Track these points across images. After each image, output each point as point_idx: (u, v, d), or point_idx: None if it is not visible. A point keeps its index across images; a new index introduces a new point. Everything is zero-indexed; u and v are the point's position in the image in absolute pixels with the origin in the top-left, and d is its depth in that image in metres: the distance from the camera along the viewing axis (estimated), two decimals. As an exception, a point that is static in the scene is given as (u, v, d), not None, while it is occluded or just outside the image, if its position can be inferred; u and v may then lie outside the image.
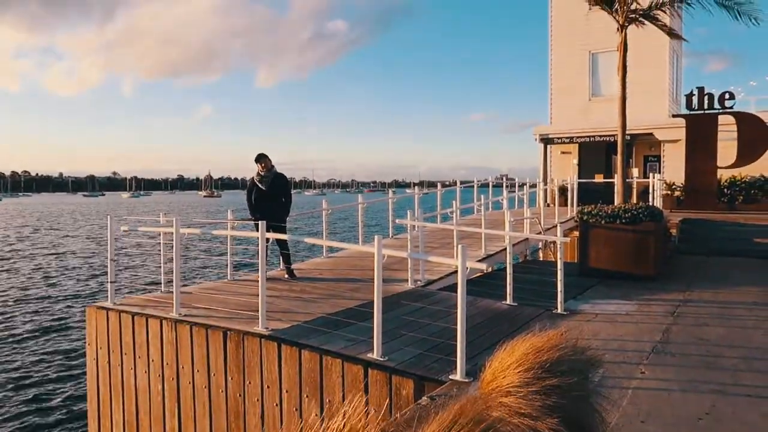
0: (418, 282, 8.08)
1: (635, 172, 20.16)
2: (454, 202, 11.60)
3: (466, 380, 4.44)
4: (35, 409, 10.80)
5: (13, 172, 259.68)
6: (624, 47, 10.85)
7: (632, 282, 8.79)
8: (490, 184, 18.97)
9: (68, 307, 19.08)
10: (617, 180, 11.41)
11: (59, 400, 11.19)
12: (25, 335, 15.52)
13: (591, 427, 3.06)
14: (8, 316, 17.72)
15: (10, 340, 15.12)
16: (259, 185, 8.55)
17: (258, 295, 5.82)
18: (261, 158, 8.59)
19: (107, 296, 7.16)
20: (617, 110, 10.87)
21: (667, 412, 3.94)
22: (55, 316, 17.70)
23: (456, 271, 5.07)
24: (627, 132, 11.00)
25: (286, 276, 8.63)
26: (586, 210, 9.65)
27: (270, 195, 8.52)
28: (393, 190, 15.04)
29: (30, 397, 11.32)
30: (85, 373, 8.12)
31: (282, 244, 8.65)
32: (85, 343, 7.37)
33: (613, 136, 17.34)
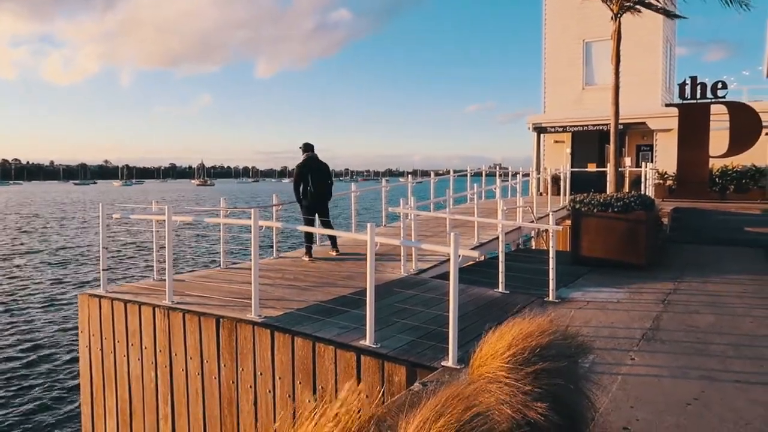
0: (411, 270, 8.10)
1: (628, 161, 20.20)
2: (447, 190, 11.61)
3: (458, 366, 4.47)
4: (28, 394, 10.80)
5: (3, 160, 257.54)
6: (618, 36, 10.83)
7: (624, 270, 8.85)
8: (484, 172, 18.97)
9: (61, 294, 19.03)
10: (610, 169, 11.43)
11: (52, 385, 11.19)
12: (17, 322, 15.47)
13: (580, 412, 3.09)
14: (0, 303, 17.65)
15: (2, 327, 15.07)
16: (316, 171, 9.32)
17: (251, 283, 5.83)
18: (311, 146, 9.43)
19: (100, 284, 7.14)
20: (610, 99, 10.87)
21: (656, 398, 3.99)
22: (48, 304, 17.65)
23: (449, 260, 5.09)
24: (620, 121, 11.00)
25: (334, 253, 9.52)
26: (578, 199, 9.68)
27: (326, 180, 9.45)
28: (386, 179, 15.01)
29: (23, 383, 11.31)
30: (77, 360, 8.12)
31: (327, 224, 9.56)
32: (77, 330, 7.36)
33: (606, 125, 17.37)
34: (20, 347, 13.48)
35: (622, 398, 3.96)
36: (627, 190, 15.00)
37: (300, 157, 9.44)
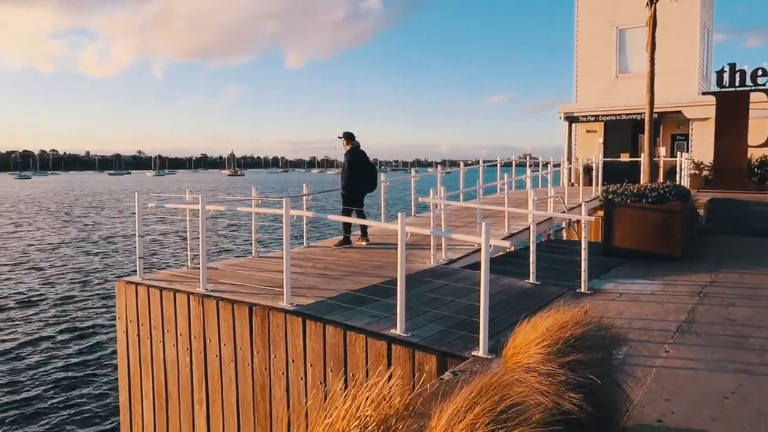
0: (441, 260, 8.10)
1: (662, 150, 19.75)
2: (477, 180, 11.54)
3: (489, 356, 4.47)
4: (67, 378, 11.17)
5: (41, 150, 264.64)
6: (653, 22, 10.56)
7: (658, 262, 8.69)
8: (514, 163, 18.78)
9: (99, 281, 19.56)
10: (644, 159, 11.20)
11: (91, 370, 11.54)
12: (56, 308, 15.98)
13: (614, 404, 3.07)
14: (41, 289, 18.24)
15: (42, 312, 15.58)
16: (364, 162, 9.44)
17: (283, 272, 5.90)
18: (353, 135, 9.40)
19: (136, 271, 7.32)
20: (645, 88, 10.63)
21: (692, 391, 3.93)
22: (86, 290, 18.17)
23: (479, 249, 5.08)
24: (654, 110, 10.76)
25: (363, 243, 9.52)
26: (611, 189, 9.52)
27: (372, 170, 9.59)
28: (415, 169, 14.98)
29: (62, 366, 11.70)
30: (115, 345, 8.35)
31: (361, 213, 9.53)
32: (115, 316, 7.57)
33: (640, 114, 17.00)
34: (58, 331, 13.92)
35: (657, 391, 3.91)
36: (661, 181, 14.68)
37: (340, 147, 9.50)
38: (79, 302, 16.79)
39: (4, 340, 13.26)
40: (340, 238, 9.66)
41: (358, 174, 9.30)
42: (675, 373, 4.26)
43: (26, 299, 17.05)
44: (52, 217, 43.55)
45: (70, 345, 13.06)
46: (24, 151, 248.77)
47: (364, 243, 9.59)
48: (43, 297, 17.32)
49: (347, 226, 9.52)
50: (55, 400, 10.24)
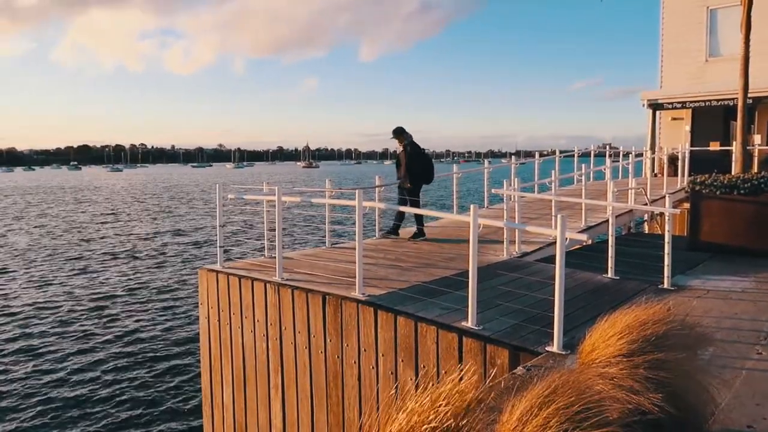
0: (514, 253, 7.95)
1: (758, 138, 18.41)
2: (552, 171, 11.22)
3: (563, 352, 4.36)
4: (154, 358, 11.87)
5: (131, 145, 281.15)
6: (749, 0, 9.84)
7: (750, 258, 8.14)
8: (592, 153, 18.09)
9: (182, 268, 20.64)
10: (736, 147, 10.49)
11: (175, 352, 12.21)
12: (142, 293, 17.01)
13: (699, 406, 2.91)
14: (130, 274, 19.46)
15: (133, 296, 16.62)
16: (423, 153, 9.48)
17: (355, 262, 5.99)
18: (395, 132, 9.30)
19: (216, 259, 7.65)
20: (739, 71, 9.93)
21: (786, 397, 3.67)
22: (172, 277, 19.22)
23: (554, 242, 4.94)
24: (750, 95, 10.04)
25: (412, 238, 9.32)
26: (699, 180, 9.00)
27: (430, 161, 9.65)
28: (488, 160, 14.75)
29: (149, 348, 12.44)
30: (198, 330, 8.78)
31: (416, 203, 9.34)
32: (198, 302, 7.96)
33: (733, 99, 15.90)
34: (146, 314, 14.81)
35: (747, 394, 3.68)
36: (756, 171, 13.70)
37: (393, 141, 9.36)
38: (165, 287, 17.79)
39: (99, 319, 14.26)
40: (413, 230, 9.65)
41: (417, 167, 9.27)
42: (767, 377, 3.99)
43: (126, 281, 18.26)
44: (142, 207, 46.28)
45: (159, 325, 13.85)
46: (116, 145, 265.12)
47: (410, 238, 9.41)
48: (132, 279, 18.48)
49: (400, 216, 9.55)
50: (145, 377, 10.91)
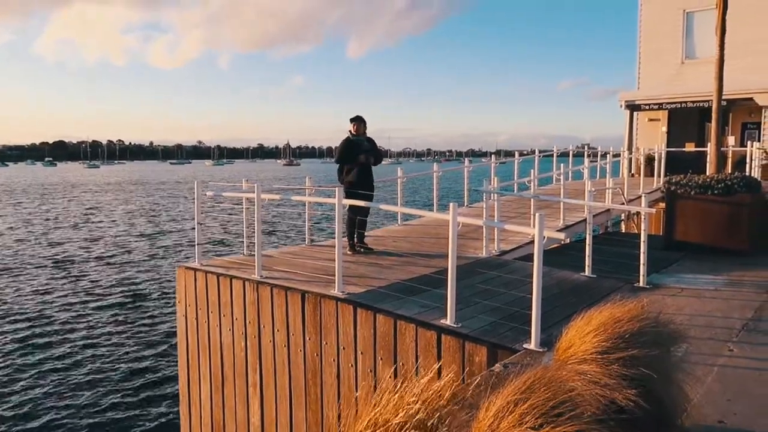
0: (493, 251, 8.00)
1: (731, 140, 18.77)
2: (531, 171, 11.31)
3: (540, 350, 4.40)
4: (131, 357, 11.71)
5: (109, 140, 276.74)
6: (724, 4, 10.02)
7: (723, 257, 8.29)
8: (571, 153, 18.32)
9: (159, 266, 20.40)
10: (710, 148, 10.67)
11: (152, 351, 12.06)
12: (120, 290, 16.77)
13: (672, 402, 2.96)
14: (106, 272, 19.17)
15: (110, 294, 16.38)
16: (366, 150, 7.88)
17: (335, 260, 5.97)
18: (362, 120, 7.97)
19: (195, 257, 7.57)
20: (713, 74, 10.11)
21: (756, 392, 3.75)
22: (149, 274, 18.98)
23: (532, 241, 4.98)
24: (724, 97, 10.21)
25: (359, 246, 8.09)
26: (674, 180, 9.14)
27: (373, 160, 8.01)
28: (469, 159, 14.82)
29: (126, 347, 12.27)
30: (175, 328, 8.69)
31: (366, 211, 8.07)
32: (175, 300, 7.87)
33: (708, 101, 16.18)
34: (122, 312, 14.61)
35: (719, 391, 3.75)
36: (729, 172, 13.98)
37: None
38: (142, 285, 17.56)
39: (77, 317, 14.03)
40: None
41: (360, 164, 7.86)
42: (739, 373, 4.07)
43: (102, 279, 17.97)
44: (119, 203, 45.62)
45: (133, 324, 13.67)
46: (93, 141, 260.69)
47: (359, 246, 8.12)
48: (107, 278, 18.21)
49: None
50: (121, 376, 10.76)
